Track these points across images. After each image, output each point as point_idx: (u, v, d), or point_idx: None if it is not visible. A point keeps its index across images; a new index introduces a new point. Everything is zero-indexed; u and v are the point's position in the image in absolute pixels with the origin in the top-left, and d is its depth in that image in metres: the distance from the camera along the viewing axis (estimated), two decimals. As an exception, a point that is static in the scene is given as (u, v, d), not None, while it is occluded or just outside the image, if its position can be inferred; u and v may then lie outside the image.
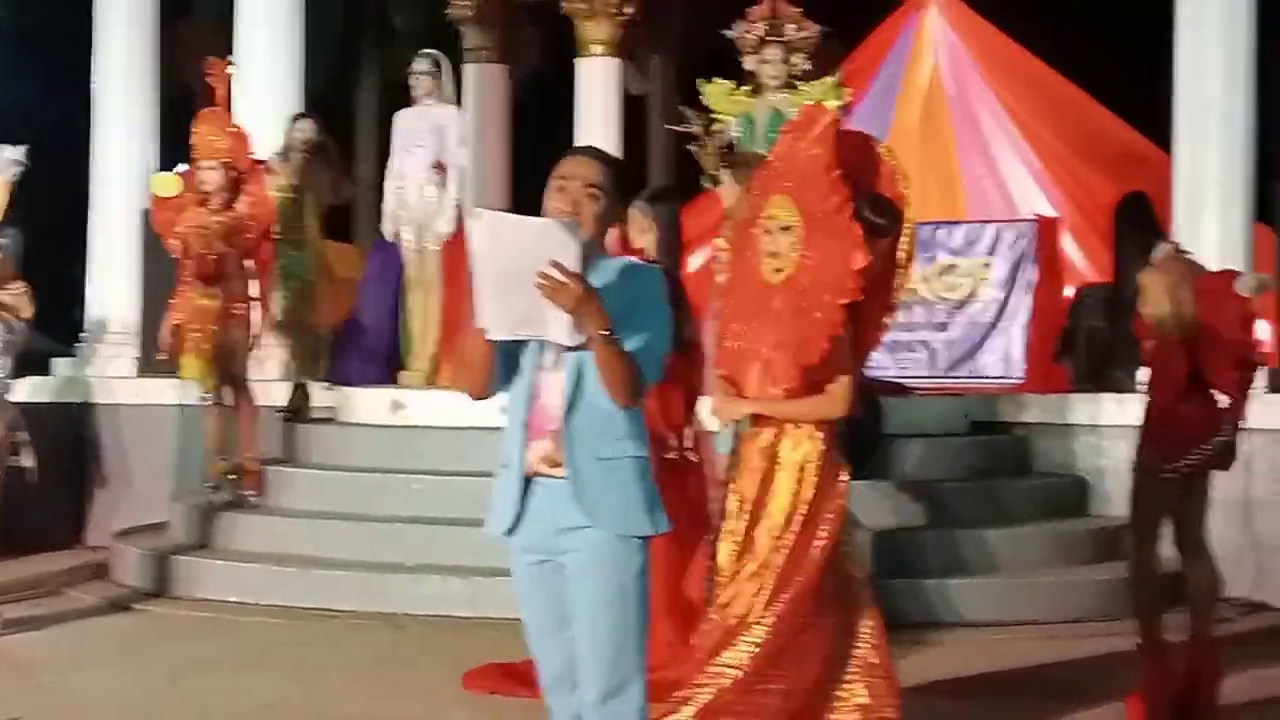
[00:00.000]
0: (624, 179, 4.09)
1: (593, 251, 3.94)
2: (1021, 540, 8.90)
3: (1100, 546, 8.83)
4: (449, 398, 9.34)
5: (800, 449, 5.47)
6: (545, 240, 3.74)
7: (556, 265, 3.71)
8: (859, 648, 5.54)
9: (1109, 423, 9.27)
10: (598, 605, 3.96)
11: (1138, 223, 6.52)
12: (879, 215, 5.47)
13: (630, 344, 3.87)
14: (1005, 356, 11.50)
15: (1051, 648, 7.72)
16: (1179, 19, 10.18)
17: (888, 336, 11.73)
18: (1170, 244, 6.53)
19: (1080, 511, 9.42)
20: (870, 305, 5.53)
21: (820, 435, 5.48)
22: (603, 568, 3.96)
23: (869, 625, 5.58)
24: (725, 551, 5.56)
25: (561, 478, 3.95)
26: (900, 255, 5.59)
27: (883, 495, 8.51)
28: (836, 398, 5.46)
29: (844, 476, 5.52)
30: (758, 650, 5.37)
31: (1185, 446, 6.24)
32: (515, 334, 3.88)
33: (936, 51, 13.68)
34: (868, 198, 5.47)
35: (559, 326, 3.79)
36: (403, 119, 10.90)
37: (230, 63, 10.21)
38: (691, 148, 9.45)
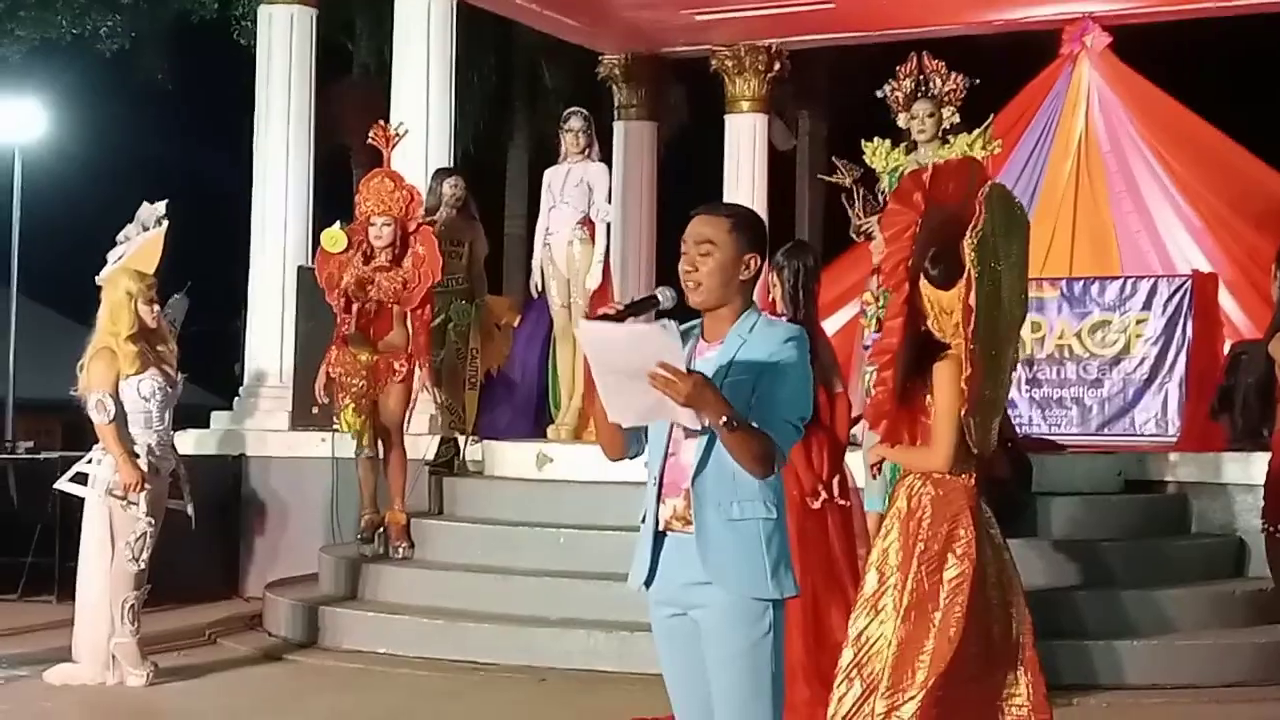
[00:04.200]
0: (751, 224, 4.06)
1: (726, 304, 3.99)
2: (1178, 601, 8.69)
3: (1259, 609, 8.59)
4: (594, 452, 9.32)
5: (915, 500, 5.45)
6: (646, 344, 3.79)
7: (664, 365, 3.75)
8: (1019, 711, 5.44)
9: (1267, 482, 9.03)
10: (727, 662, 3.96)
11: None
12: (934, 265, 5.41)
13: (761, 415, 3.87)
14: (1160, 414, 11.28)
15: (1209, 712, 7.54)
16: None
17: (1040, 393, 11.81)
18: None
19: (1238, 572, 9.18)
20: (931, 356, 5.46)
21: (930, 488, 5.45)
22: (731, 626, 3.95)
23: (1030, 687, 5.47)
24: (858, 613, 5.55)
25: (691, 534, 3.96)
26: (968, 302, 5.38)
27: (1034, 554, 8.36)
28: (931, 450, 5.44)
29: (965, 532, 5.42)
30: None
31: None
32: (643, 421, 3.98)
33: (1090, 105, 13.55)
34: (935, 248, 5.42)
35: (682, 414, 3.83)
36: (551, 175, 11.00)
37: (398, 127, 10.32)
38: (843, 199, 9.41)
